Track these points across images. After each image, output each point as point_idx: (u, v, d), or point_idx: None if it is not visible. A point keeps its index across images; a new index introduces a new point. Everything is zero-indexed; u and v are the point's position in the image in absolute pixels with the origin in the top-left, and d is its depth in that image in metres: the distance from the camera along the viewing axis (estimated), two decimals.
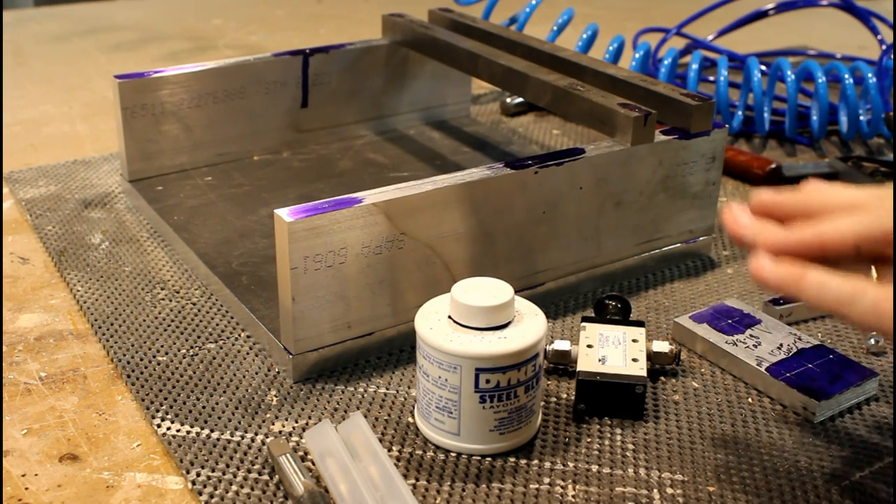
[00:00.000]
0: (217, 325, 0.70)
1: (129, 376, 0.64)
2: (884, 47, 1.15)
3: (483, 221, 0.66)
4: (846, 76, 1.01)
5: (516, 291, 0.57)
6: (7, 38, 1.50)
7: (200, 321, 0.71)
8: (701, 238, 0.79)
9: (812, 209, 0.49)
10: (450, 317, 0.56)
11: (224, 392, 0.63)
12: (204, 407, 0.61)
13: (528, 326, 0.55)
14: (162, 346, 0.67)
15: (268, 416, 0.60)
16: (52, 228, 0.85)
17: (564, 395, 0.63)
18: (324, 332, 0.63)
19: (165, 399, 0.62)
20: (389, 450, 0.58)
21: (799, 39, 1.50)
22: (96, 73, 1.33)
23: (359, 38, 1.00)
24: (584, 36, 1.11)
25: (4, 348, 0.68)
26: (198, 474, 0.55)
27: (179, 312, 0.72)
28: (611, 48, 1.11)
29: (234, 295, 0.71)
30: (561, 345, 0.64)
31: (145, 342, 0.68)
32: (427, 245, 0.64)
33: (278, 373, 0.65)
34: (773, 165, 0.95)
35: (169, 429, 0.59)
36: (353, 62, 0.97)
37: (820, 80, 1.00)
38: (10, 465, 0.56)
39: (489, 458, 0.57)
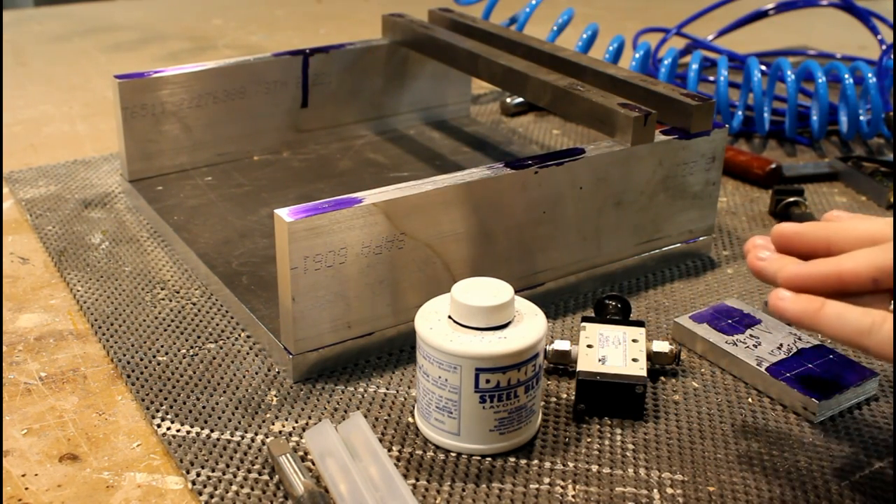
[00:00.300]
0: (217, 325, 0.70)
1: (129, 376, 0.64)
2: (884, 47, 1.15)
3: (483, 221, 0.66)
4: (846, 76, 1.01)
5: (516, 291, 0.57)
6: (7, 38, 1.50)
7: (200, 321, 0.71)
8: (701, 238, 0.79)
9: (832, 241, 0.49)
10: (450, 317, 0.56)
11: (224, 392, 0.63)
12: (204, 407, 0.61)
13: (528, 326, 0.55)
14: (162, 346, 0.67)
15: (268, 416, 0.60)
16: (52, 228, 0.85)
17: (564, 395, 0.63)
18: (324, 332, 0.63)
19: (165, 399, 0.62)
20: (389, 450, 0.58)
21: (799, 39, 1.50)
22: (96, 73, 1.33)
23: (359, 38, 1.00)
24: (584, 36, 1.11)
25: (4, 348, 0.68)
26: (198, 474, 0.55)
27: (179, 312, 0.72)
28: (611, 48, 1.11)
29: (234, 295, 0.71)
30: (561, 345, 0.64)
31: (145, 342, 0.68)
32: (427, 245, 0.64)
33: (278, 373, 0.65)
34: (773, 165, 0.95)
35: (169, 429, 0.59)
36: (353, 62, 0.97)
37: (820, 80, 1.00)
38: (10, 465, 0.56)
39: (489, 458, 0.57)
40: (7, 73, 1.31)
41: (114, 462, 0.57)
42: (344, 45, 0.96)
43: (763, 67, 1.14)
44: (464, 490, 0.54)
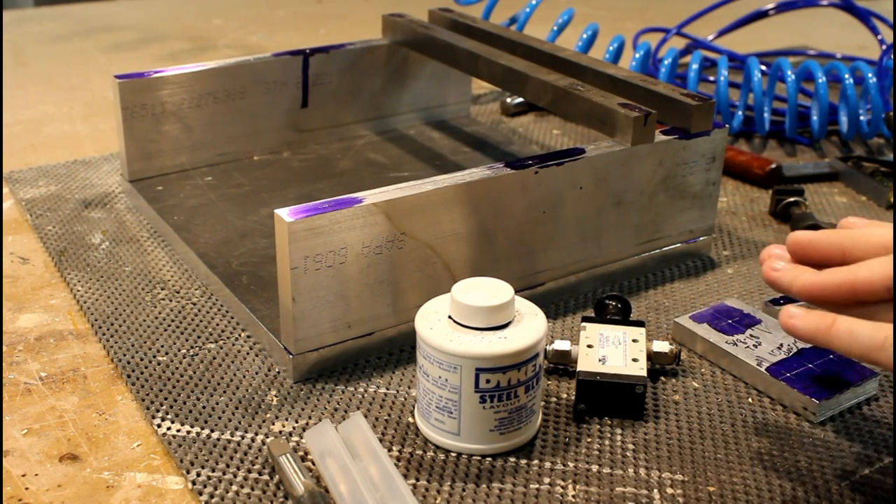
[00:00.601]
0: (217, 325, 0.70)
1: (129, 376, 0.64)
2: (884, 47, 1.15)
3: (483, 221, 0.66)
4: (846, 76, 1.01)
5: (516, 291, 0.57)
6: (7, 38, 1.50)
7: (200, 321, 0.71)
8: (701, 238, 0.79)
9: (847, 249, 0.49)
10: (450, 317, 0.56)
11: (224, 392, 0.63)
12: (204, 407, 0.61)
13: (528, 326, 0.55)
14: (162, 346, 0.67)
15: (268, 416, 0.60)
16: (52, 228, 0.85)
17: (564, 395, 0.63)
18: (324, 332, 0.63)
19: (165, 399, 0.62)
20: (389, 450, 0.58)
21: (799, 39, 1.50)
22: (96, 73, 1.33)
23: (359, 38, 1.00)
24: (585, 36, 1.11)
25: (4, 348, 0.68)
26: (198, 474, 0.55)
27: (179, 312, 0.72)
28: (611, 48, 1.11)
29: (235, 295, 0.71)
30: (561, 345, 0.64)
31: (145, 342, 0.68)
32: (427, 245, 0.64)
33: (278, 373, 0.65)
34: (773, 165, 0.95)
35: (169, 429, 0.59)
36: (353, 62, 0.97)
37: (820, 80, 1.00)
38: (10, 465, 0.56)
39: (489, 458, 0.57)
40: (7, 73, 1.32)
41: (114, 462, 0.57)
42: (344, 45, 0.96)
43: (763, 67, 1.14)
44: (464, 490, 0.54)
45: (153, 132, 0.88)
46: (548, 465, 0.56)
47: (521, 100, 1.13)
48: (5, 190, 0.94)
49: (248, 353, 0.67)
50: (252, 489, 0.54)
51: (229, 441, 0.58)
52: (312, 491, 0.52)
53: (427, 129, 1.03)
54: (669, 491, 0.54)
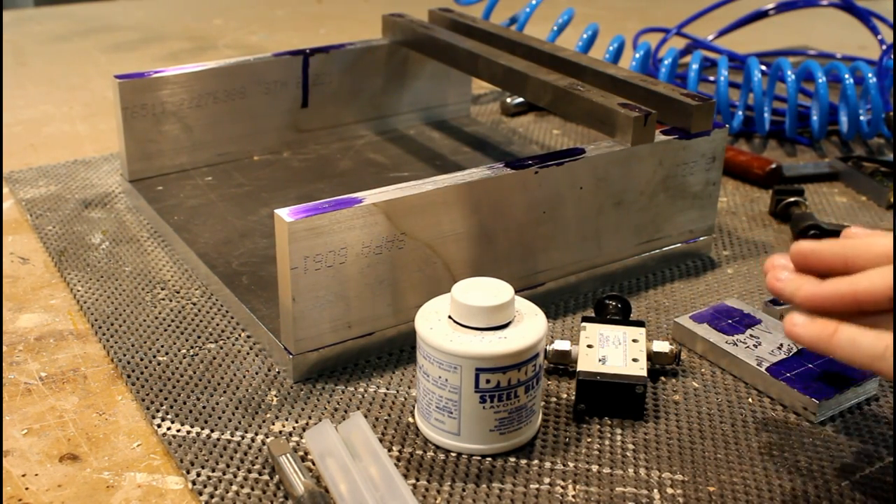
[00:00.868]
0: (217, 325, 0.70)
1: (129, 376, 0.64)
2: (884, 47, 1.15)
3: (483, 221, 0.66)
4: (846, 76, 1.01)
5: (516, 291, 0.57)
6: (7, 38, 1.50)
7: (200, 321, 0.71)
8: (701, 238, 0.79)
9: (850, 259, 0.49)
10: (450, 317, 0.56)
11: (224, 392, 0.63)
12: (204, 407, 0.61)
13: (528, 326, 0.55)
14: (162, 346, 0.67)
15: (268, 416, 0.60)
16: (52, 228, 0.85)
17: (564, 395, 0.63)
18: (324, 332, 0.63)
19: (165, 399, 0.62)
20: (389, 450, 0.58)
21: (799, 39, 1.50)
22: (96, 73, 1.33)
23: (359, 38, 1.00)
24: (585, 36, 1.11)
25: (4, 348, 0.68)
26: (198, 474, 0.55)
27: (179, 312, 0.72)
28: (611, 48, 1.11)
29: (235, 295, 0.71)
30: (561, 345, 0.64)
31: (145, 342, 0.68)
32: (427, 245, 0.64)
33: (278, 373, 0.65)
34: (773, 165, 0.95)
35: (169, 429, 0.59)
36: (353, 62, 0.97)
37: (820, 80, 1.00)
38: (10, 465, 0.56)
39: (489, 458, 0.57)
40: (7, 73, 1.32)
41: (114, 462, 0.57)
42: (344, 45, 0.96)
43: (763, 67, 1.14)
44: (464, 490, 0.54)
45: (153, 132, 0.88)
46: (548, 465, 0.56)
47: (521, 100, 1.13)
48: (5, 190, 0.94)
49: (248, 353, 0.67)
50: (252, 489, 0.54)
51: (229, 441, 0.58)
52: (312, 491, 0.52)
53: (427, 129, 1.03)
54: (669, 491, 0.54)
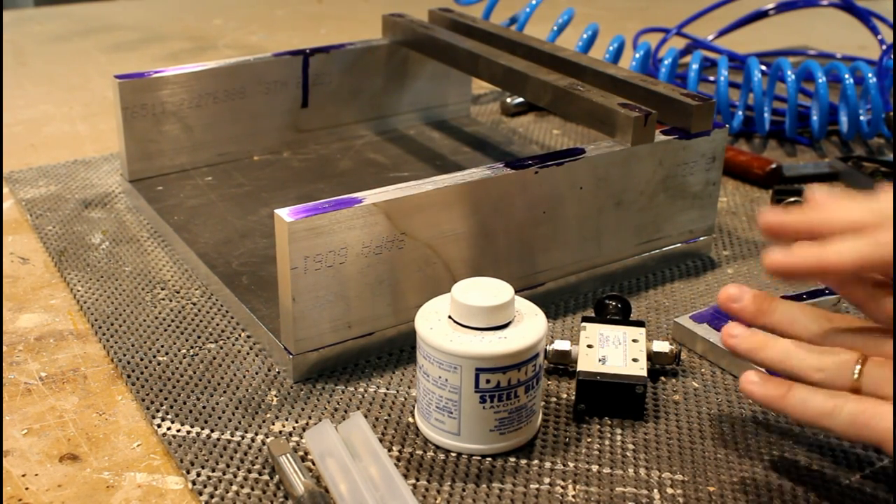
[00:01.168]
0: (217, 325, 0.70)
1: (129, 376, 0.64)
2: (884, 47, 1.15)
3: (483, 221, 0.66)
4: (846, 76, 1.01)
5: (516, 291, 0.57)
6: (7, 38, 1.50)
7: (200, 321, 0.71)
8: (701, 238, 0.79)
9: (817, 232, 0.50)
10: (450, 317, 0.56)
11: (224, 392, 0.63)
12: (204, 407, 0.61)
13: (529, 326, 0.55)
14: (162, 346, 0.67)
15: (268, 416, 0.60)
16: (52, 228, 0.85)
17: (564, 395, 0.63)
18: (324, 332, 0.63)
19: (165, 399, 0.62)
20: (389, 450, 0.58)
21: (799, 39, 1.50)
22: (96, 73, 1.33)
23: (359, 38, 1.00)
24: (585, 36, 1.11)
25: (4, 348, 0.68)
26: (198, 474, 0.55)
27: (179, 312, 0.72)
28: (611, 48, 1.11)
29: (235, 295, 0.71)
30: (561, 345, 0.64)
31: (145, 342, 0.68)
32: (427, 245, 0.65)
33: (278, 373, 0.65)
34: (773, 165, 0.95)
35: (169, 429, 0.59)
36: (353, 62, 0.97)
37: (820, 80, 1.00)
38: (10, 465, 0.56)
39: (489, 458, 0.57)
40: (7, 73, 1.32)
41: (114, 462, 0.57)
42: (344, 45, 0.96)
43: (763, 67, 1.14)
44: (464, 490, 0.54)
45: (153, 132, 0.88)
46: (548, 465, 0.56)
47: (521, 100, 1.13)
48: (5, 190, 0.94)
49: (248, 353, 0.67)
50: (252, 489, 0.54)
51: (229, 441, 0.58)
52: (312, 491, 0.52)
53: (427, 129, 1.03)
54: (669, 491, 0.54)
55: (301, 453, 0.57)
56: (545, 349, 0.63)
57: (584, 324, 0.65)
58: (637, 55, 1.08)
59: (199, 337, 0.69)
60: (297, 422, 0.60)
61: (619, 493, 0.54)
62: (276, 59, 0.92)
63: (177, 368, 0.65)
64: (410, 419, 0.60)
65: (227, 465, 0.56)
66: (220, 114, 0.91)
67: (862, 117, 1.04)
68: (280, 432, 0.59)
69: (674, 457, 0.57)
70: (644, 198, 0.74)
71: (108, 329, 0.69)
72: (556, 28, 1.14)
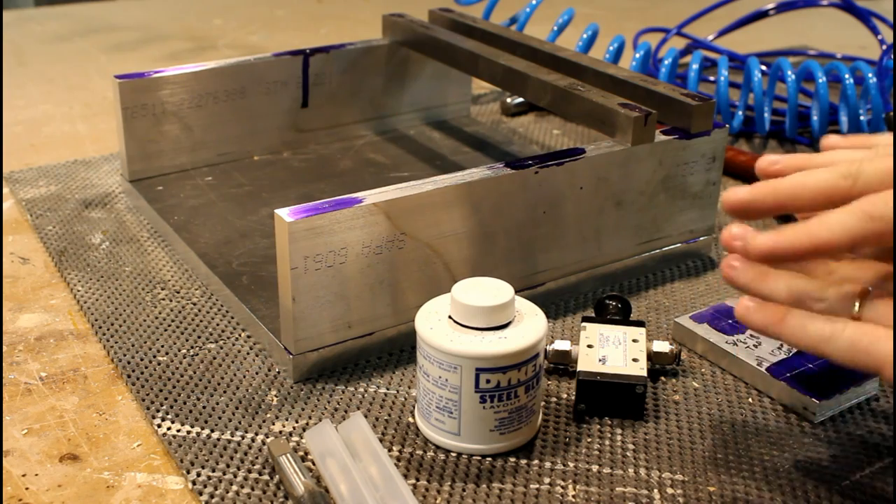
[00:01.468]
0: (217, 325, 0.70)
1: (129, 376, 0.64)
2: (884, 47, 1.15)
3: (483, 221, 0.66)
4: (846, 76, 1.01)
5: (516, 291, 0.57)
6: (7, 38, 1.50)
7: (201, 321, 0.71)
8: (701, 238, 0.79)
9: (787, 206, 0.50)
10: (450, 317, 0.56)
11: (224, 392, 0.63)
12: (204, 407, 0.61)
13: (529, 326, 0.55)
14: (162, 346, 0.67)
15: (268, 416, 0.60)
16: (53, 228, 0.85)
17: (564, 395, 0.63)
18: (324, 332, 0.63)
19: (166, 399, 0.62)
20: (389, 450, 0.58)
21: (799, 39, 1.50)
22: (96, 73, 1.33)
23: (359, 38, 1.00)
24: (585, 36, 1.11)
25: (4, 348, 0.68)
26: (198, 474, 0.55)
27: (180, 312, 0.72)
28: (611, 48, 1.11)
29: (235, 295, 0.71)
30: (561, 345, 0.64)
31: (145, 342, 0.68)
32: (427, 245, 0.65)
33: (278, 373, 0.65)
34: None
35: (169, 429, 0.59)
36: (353, 62, 0.97)
37: (820, 80, 1.00)
38: (10, 465, 0.56)
39: (489, 458, 0.57)
40: (7, 73, 1.32)
41: (114, 462, 0.57)
42: (344, 45, 0.96)
43: (763, 67, 1.14)
44: (464, 490, 0.54)
45: (153, 132, 0.88)
46: (548, 465, 0.56)
47: (521, 100, 1.13)
48: (5, 190, 0.94)
49: (248, 353, 0.67)
50: (252, 489, 0.54)
51: (229, 441, 0.58)
52: (312, 491, 0.52)
53: (427, 129, 1.03)
54: (669, 491, 0.54)
55: (301, 453, 0.57)
56: (545, 349, 0.63)
57: (584, 324, 0.65)
58: (637, 55, 1.08)
59: (199, 337, 0.69)
60: (297, 422, 0.60)
61: (619, 493, 0.54)
62: (276, 59, 0.92)
63: (177, 368, 0.65)
64: (410, 419, 0.60)
65: (228, 465, 0.56)
66: (220, 114, 0.91)
67: (862, 117, 1.04)
68: (280, 432, 0.59)
69: (674, 457, 0.57)
70: (644, 198, 0.74)
71: (108, 329, 0.69)
72: (556, 28, 1.14)
